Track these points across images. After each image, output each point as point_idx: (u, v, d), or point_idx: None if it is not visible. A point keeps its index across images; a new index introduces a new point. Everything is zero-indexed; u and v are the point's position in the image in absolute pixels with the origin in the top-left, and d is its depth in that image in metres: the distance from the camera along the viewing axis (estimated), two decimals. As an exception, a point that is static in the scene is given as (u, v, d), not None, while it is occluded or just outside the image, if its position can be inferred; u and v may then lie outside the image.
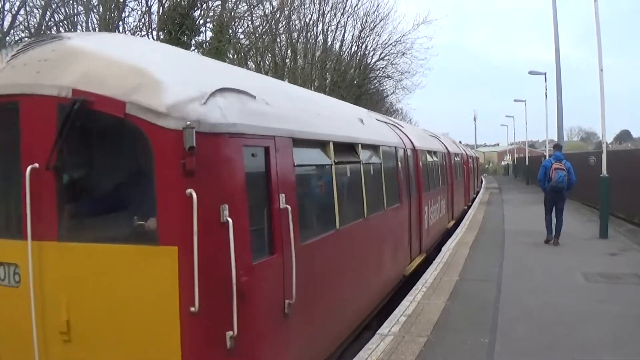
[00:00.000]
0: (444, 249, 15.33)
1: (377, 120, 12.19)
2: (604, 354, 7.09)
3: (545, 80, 39.72)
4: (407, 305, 9.50)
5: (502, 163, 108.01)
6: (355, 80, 40.66)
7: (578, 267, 12.21)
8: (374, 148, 9.97)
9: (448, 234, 18.76)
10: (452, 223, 20.88)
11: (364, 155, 8.97)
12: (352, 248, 8.09)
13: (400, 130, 13.76)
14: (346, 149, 8.26)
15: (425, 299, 9.92)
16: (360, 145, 8.79)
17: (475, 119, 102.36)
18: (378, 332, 8.16)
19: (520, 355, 7.19)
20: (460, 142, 49.11)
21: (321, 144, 7.28)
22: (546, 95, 40.28)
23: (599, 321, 8.40)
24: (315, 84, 33.99)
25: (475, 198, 33.85)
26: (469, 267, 12.64)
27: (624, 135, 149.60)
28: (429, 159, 16.54)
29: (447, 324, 8.43)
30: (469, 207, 28.76)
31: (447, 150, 22.07)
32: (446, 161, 21.03)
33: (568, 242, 15.65)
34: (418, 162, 14.13)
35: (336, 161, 7.51)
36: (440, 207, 18.11)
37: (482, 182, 54.32)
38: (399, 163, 12.06)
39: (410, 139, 14.05)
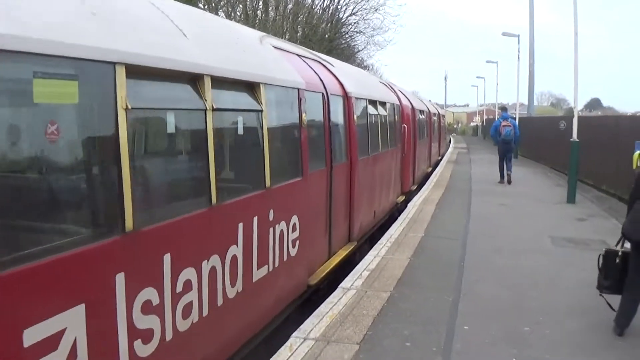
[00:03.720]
0: (409, 205, 15.12)
1: None
2: (568, 319, 6.89)
3: (519, 43, 39.39)
4: (371, 259, 9.27)
5: (471, 124, 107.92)
6: (327, 34, 40.09)
7: (546, 230, 12.05)
8: None
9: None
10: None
11: None
12: None
13: None
14: None
15: (389, 254, 9.68)
16: None
17: (445, 78, 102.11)
18: (340, 285, 7.91)
19: (483, 314, 6.99)
20: (430, 100, 48.97)
21: None
22: (519, 58, 39.94)
23: (565, 286, 8.21)
24: (287, 36, 33.36)
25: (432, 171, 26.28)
26: (435, 224, 12.45)
27: (594, 103, 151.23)
28: None
29: (411, 280, 8.22)
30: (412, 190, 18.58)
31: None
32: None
33: (536, 205, 15.63)
34: None
35: None
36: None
37: (450, 141, 54.41)
38: None
39: None
